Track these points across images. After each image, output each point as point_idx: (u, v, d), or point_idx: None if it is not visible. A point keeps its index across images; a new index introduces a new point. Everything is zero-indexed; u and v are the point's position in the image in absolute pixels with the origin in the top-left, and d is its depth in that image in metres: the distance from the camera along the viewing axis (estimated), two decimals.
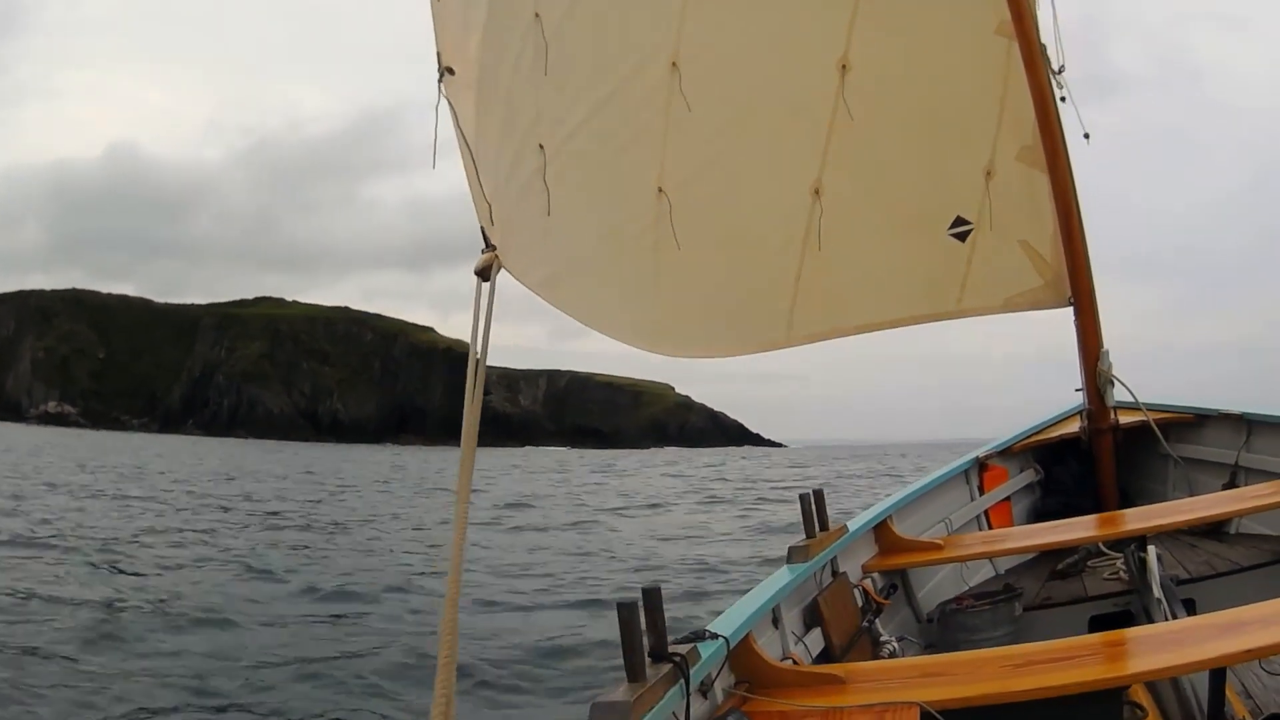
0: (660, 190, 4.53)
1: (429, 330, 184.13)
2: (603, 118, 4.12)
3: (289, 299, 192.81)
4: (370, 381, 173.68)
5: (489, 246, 3.02)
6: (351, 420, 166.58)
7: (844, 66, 5.18)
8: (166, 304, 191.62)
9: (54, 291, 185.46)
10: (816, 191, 5.35)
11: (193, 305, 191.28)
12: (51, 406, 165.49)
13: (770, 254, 5.44)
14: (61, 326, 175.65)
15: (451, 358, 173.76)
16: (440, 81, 3.01)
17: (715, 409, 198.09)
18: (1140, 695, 3.36)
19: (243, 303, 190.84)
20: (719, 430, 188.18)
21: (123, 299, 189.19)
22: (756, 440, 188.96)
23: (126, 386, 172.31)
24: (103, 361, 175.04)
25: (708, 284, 5.07)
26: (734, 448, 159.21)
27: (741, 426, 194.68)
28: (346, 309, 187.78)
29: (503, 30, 3.37)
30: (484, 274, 2.92)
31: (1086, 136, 5.64)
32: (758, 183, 5.25)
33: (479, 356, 2.75)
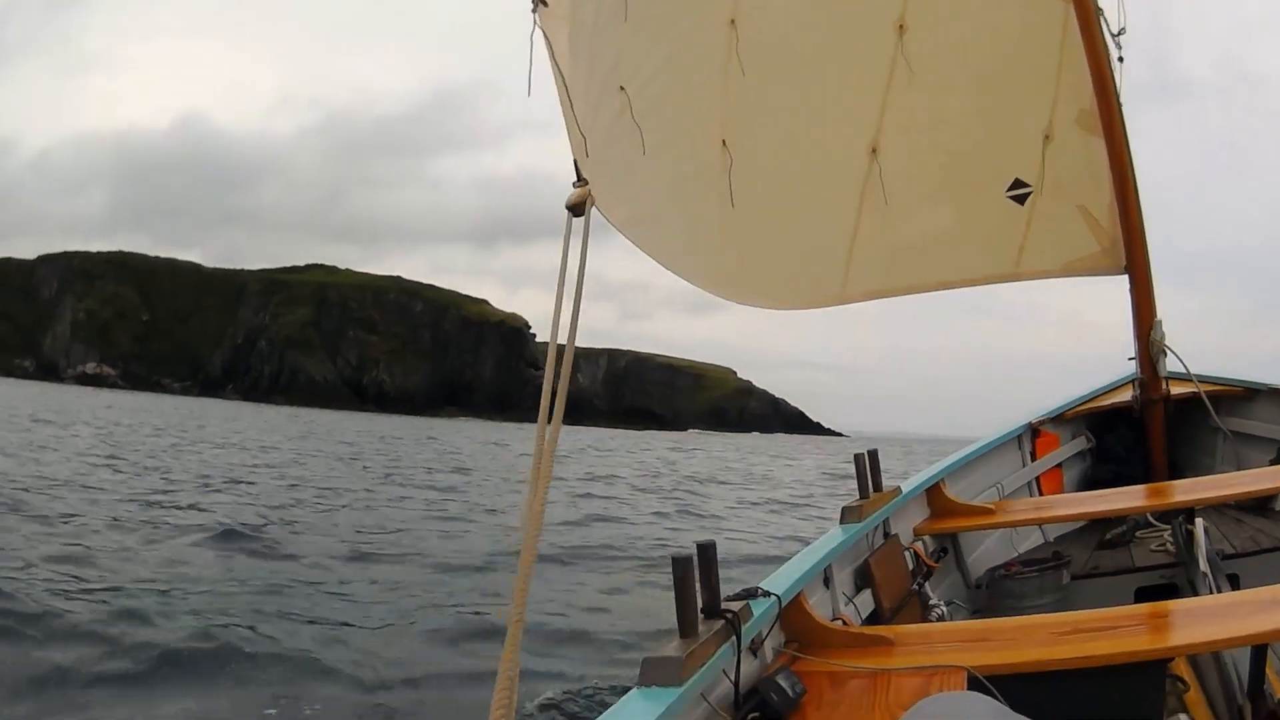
0: (724, 143, 4.59)
1: (482, 303, 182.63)
2: (673, 70, 4.15)
3: (343, 268, 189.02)
4: (419, 353, 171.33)
5: (581, 180, 3.00)
6: (397, 391, 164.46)
7: (901, 27, 5.18)
8: (215, 269, 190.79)
9: (99, 253, 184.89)
10: (874, 151, 5.36)
11: (241, 270, 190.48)
12: (90, 368, 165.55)
13: (827, 211, 5.46)
14: (105, 289, 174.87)
15: (504, 331, 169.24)
16: (534, 11, 3.02)
17: (776, 395, 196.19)
18: (1182, 669, 3.38)
19: (293, 269, 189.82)
20: (779, 417, 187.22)
21: (170, 262, 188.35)
22: (816, 429, 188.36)
23: (169, 350, 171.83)
24: (145, 325, 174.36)
25: (768, 237, 5.11)
26: (792, 435, 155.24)
27: (802, 414, 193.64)
28: (399, 278, 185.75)
29: None
30: (576, 209, 2.89)
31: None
32: (815, 141, 5.28)
33: (575, 298, 2.72)
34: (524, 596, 2.34)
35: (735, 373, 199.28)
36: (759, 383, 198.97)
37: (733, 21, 4.52)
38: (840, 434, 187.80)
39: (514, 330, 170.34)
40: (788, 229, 5.26)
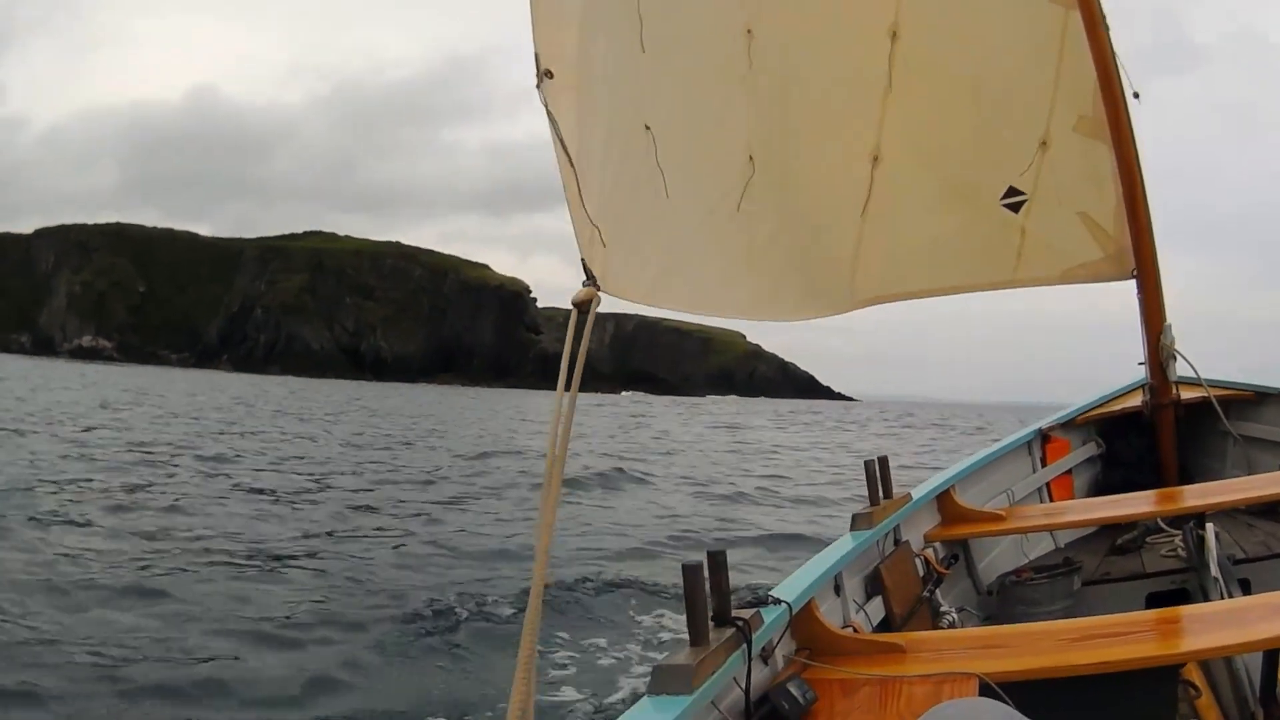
0: (750, 159, 4.60)
1: (482, 267, 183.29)
2: (698, 88, 4.17)
3: (342, 234, 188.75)
4: (417, 318, 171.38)
5: (590, 280, 2.94)
6: (395, 358, 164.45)
7: (894, 34, 5.23)
8: (212, 237, 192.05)
9: (95, 225, 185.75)
10: (875, 159, 5.43)
11: (238, 239, 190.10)
12: (85, 341, 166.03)
13: (833, 220, 5.51)
14: (101, 261, 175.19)
15: (504, 295, 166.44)
16: (539, 87, 2.90)
17: (786, 359, 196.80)
18: (1194, 675, 3.39)
19: (292, 236, 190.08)
20: (788, 381, 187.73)
21: (167, 232, 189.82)
22: (827, 393, 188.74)
23: (167, 321, 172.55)
24: (143, 296, 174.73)
25: (782, 249, 5.11)
26: (802, 400, 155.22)
27: (812, 378, 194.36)
28: (398, 243, 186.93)
29: (600, 13, 3.30)
30: (582, 307, 2.86)
31: (1136, 96, 5.56)
32: (821, 150, 5.33)
33: (572, 392, 2.67)
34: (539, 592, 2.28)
35: (744, 336, 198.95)
36: (768, 346, 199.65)
37: (749, 31, 4.54)
38: (851, 398, 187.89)
39: (514, 295, 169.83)
40: (801, 240, 5.27)
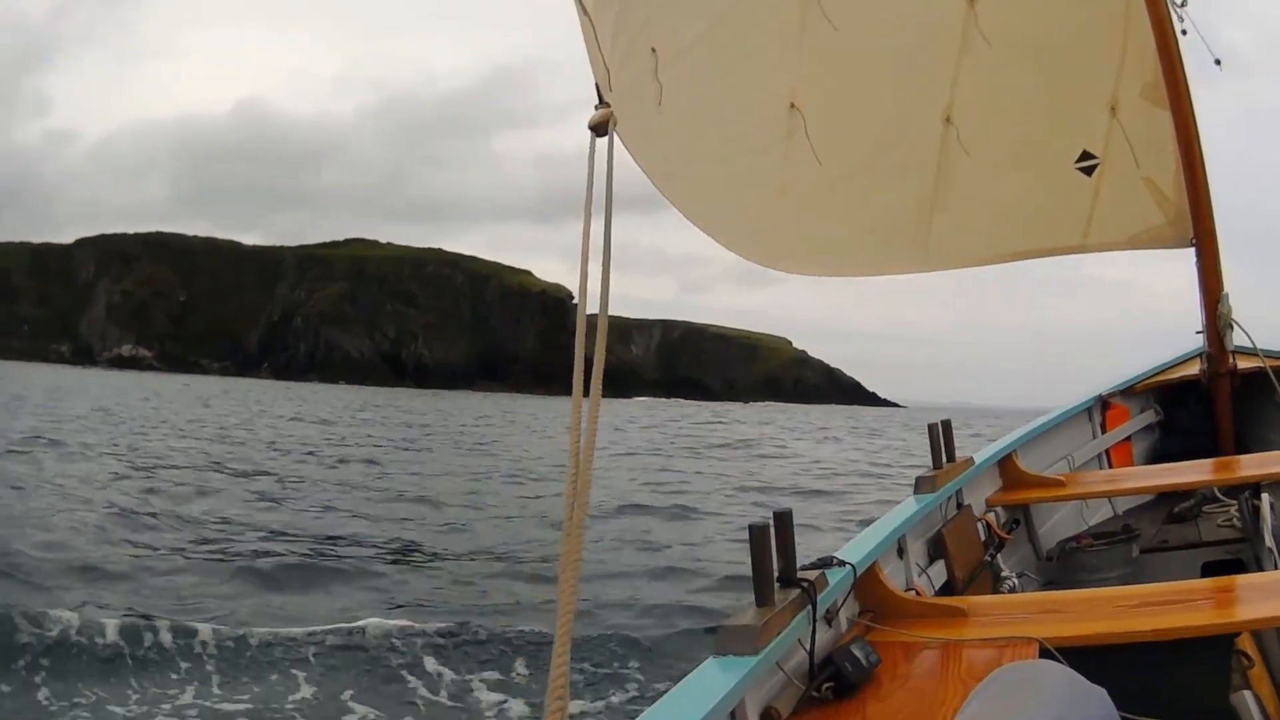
0: (793, 105, 4.59)
1: (524, 273, 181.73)
2: (726, 28, 4.11)
3: (384, 242, 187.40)
4: (459, 325, 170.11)
5: (602, 103, 2.90)
6: (437, 365, 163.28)
7: None
8: (254, 246, 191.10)
9: (136, 235, 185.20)
10: (948, 119, 5.43)
11: (279, 247, 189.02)
12: (125, 350, 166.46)
13: (904, 179, 5.51)
14: (142, 270, 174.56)
15: (546, 302, 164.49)
16: None
17: (832, 365, 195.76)
18: (1247, 644, 3.32)
19: (332, 244, 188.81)
20: (835, 387, 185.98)
21: (209, 241, 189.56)
22: (873, 400, 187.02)
23: (208, 330, 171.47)
24: (184, 304, 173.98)
25: (843, 203, 5.18)
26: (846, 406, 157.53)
27: (858, 385, 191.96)
28: (439, 250, 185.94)
29: None
30: (599, 129, 2.78)
31: (1218, 62, 5.59)
32: (892, 107, 5.34)
33: (605, 230, 2.51)
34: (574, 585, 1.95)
35: (790, 342, 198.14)
36: (814, 353, 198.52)
37: None
38: (898, 404, 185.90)
39: (557, 301, 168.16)
40: (865, 194, 5.28)
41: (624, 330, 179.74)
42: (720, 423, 59.35)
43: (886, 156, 5.31)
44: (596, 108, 2.83)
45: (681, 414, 76.40)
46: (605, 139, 2.74)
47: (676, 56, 3.56)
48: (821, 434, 49.67)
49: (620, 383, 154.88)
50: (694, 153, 4.05)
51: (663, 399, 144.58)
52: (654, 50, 3.42)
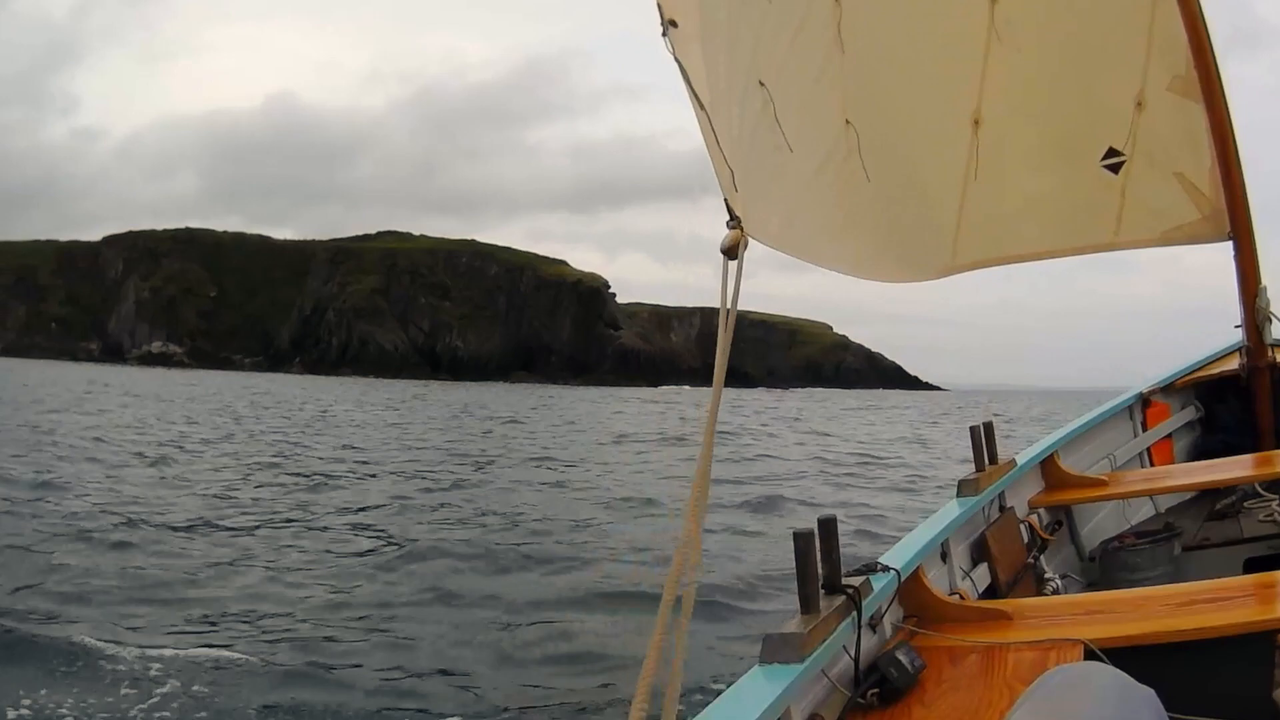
0: (848, 122, 4.64)
1: (560, 263, 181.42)
2: (798, 48, 4.13)
3: (417, 234, 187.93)
4: (494, 317, 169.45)
5: (733, 220, 2.91)
6: (471, 356, 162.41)
7: None
8: (284, 240, 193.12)
9: (164, 231, 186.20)
10: (976, 121, 5.43)
11: (310, 241, 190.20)
12: (155, 347, 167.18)
13: (936, 184, 5.54)
14: (171, 266, 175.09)
15: (582, 291, 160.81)
16: (665, 36, 2.96)
17: (873, 350, 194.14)
18: None
19: (364, 237, 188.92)
20: (875, 372, 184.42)
21: (238, 236, 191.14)
22: (914, 383, 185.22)
23: (238, 325, 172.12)
24: (214, 300, 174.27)
25: (887, 213, 5.17)
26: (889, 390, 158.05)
27: (899, 368, 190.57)
28: (472, 241, 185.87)
29: None
30: (730, 252, 2.81)
31: None
32: (923, 114, 5.36)
33: (726, 339, 2.67)
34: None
35: (831, 327, 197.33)
36: (855, 337, 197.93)
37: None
38: (940, 388, 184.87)
39: (592, 290, 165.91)
40: (902, 203, 5.31)
41: (664, 319, 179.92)
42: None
43: (920, 163, 5.30)
44: (728, 226, 2.82)
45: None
46: (736, 261, 2.71)
47: (777, 79, 3.53)
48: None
49: (659, 371, 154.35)
50: (803, 187, 4.04)
51: (703, 387, 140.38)
52: (762, 84, 3.42)
